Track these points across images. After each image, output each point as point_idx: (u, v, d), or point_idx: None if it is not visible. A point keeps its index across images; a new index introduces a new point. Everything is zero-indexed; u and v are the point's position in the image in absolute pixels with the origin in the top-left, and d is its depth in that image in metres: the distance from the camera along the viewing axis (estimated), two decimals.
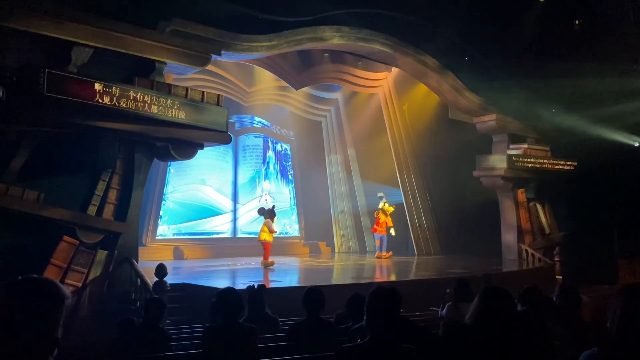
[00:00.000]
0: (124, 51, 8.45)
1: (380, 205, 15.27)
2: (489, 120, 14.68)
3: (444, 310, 5.73)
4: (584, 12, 13.89)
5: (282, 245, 15.54)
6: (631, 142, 15.55)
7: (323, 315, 4.33)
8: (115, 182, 8.64)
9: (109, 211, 8.53)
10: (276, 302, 6.96)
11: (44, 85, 7.21)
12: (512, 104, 14.30)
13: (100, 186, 8.46)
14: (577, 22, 13.72)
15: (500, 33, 13.51)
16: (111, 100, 7.88)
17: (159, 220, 14.94)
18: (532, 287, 4.04)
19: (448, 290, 6.02)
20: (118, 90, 7.96)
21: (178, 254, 14.47)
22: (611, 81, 12.86)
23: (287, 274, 11.96)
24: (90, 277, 8.14)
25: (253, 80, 15.79)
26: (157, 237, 14.76)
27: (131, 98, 8.10)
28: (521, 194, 15.18)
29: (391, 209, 15.22)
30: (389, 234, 15.02)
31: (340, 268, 13.73)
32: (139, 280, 8.23)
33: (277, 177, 17.83)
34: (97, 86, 7.75)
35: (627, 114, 13.59)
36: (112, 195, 8.59)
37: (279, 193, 17.51)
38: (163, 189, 15.12)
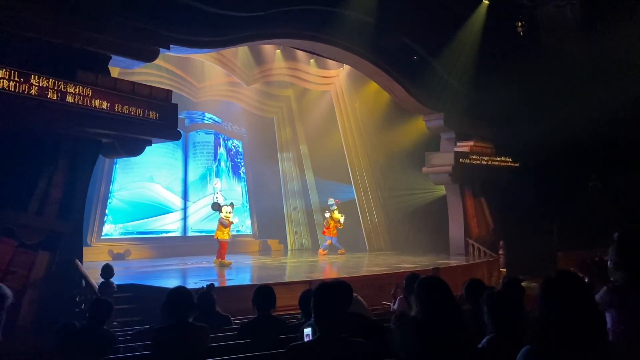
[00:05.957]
0: (66, 43, 8.08)
1: (329, 214, 15.35)
2: (437, 118, 15.06)
3: (396, 305, 5.85)
4: (526, 14, 14.47)
5: (234, 243, 15.35)
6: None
7: (274, 313, 4.34)
8: (58, 179, 8.22)
9: (50, 210, 8.12)
10: (229, 300, 6.89)
11: None
12: (459, 103, 14.73)
13: (42, 184, 8.04)
14: (519, 24, 14.27)
15: (448, 34, 13.88)
16: (51, 95, 7.52)
17: (105, 219, 14.44)
18: (476, 280, 4.19)
19: (397, 285, 6.16)
20: (58, 84, 7.61)
21: (125, 254, 14.03)
22: (554, 80, 13.46)
23: (240, 272, 11.84)
24: (31, 279, 7.75)
25: (203, 76, 15.51)
26: (102, 237, 14.28)
27: (73, 92, 7.76)
28: (467, 190, 15.66)
29: (340, 217, 15.29)
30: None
31: (293, 265, 13.73)
32: (83, 282, 7.94)
33: (228, 175, 17.60)
34: (36, 79, 7.39)
35: (567, 112, 14.23)
36: (54, 194, 8.18)
37: (230, 190, 17.29)
38: (109, 186, 14.62)
